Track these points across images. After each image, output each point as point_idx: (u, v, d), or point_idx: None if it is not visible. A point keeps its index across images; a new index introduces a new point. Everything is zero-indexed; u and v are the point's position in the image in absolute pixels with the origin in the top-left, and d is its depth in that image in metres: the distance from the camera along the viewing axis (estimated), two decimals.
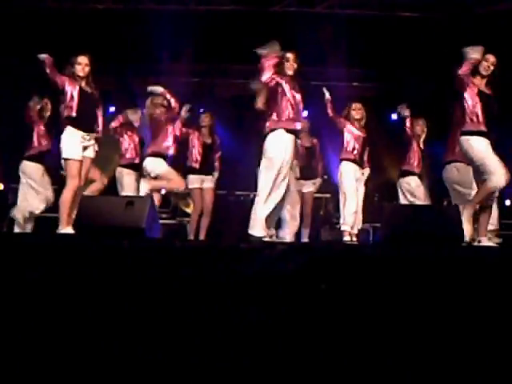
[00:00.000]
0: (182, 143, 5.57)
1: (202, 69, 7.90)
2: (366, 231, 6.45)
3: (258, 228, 4.01)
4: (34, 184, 5.28)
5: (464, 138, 4.15)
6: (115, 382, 1.06)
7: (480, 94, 4.14)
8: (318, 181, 6.14)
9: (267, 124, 4.17)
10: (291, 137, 4.11)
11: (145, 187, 4.91)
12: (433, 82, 6.98)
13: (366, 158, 5.60)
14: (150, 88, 5.06)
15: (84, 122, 4.31)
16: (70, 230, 4.09)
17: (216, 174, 6.05)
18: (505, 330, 1.34)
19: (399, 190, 5.72)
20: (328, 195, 7.13)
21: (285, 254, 2.43)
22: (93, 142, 4.39)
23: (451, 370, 1.11)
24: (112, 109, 7.48)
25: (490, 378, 1.09)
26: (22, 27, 6.58)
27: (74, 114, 4.25)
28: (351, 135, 5.40)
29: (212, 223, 6.07)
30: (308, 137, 6.04)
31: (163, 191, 5.23)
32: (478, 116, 4.10)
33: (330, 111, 5.35)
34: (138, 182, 5.85)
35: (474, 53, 4.08)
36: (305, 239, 5.93)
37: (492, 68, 4.14)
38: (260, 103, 4.42)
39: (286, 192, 4.13)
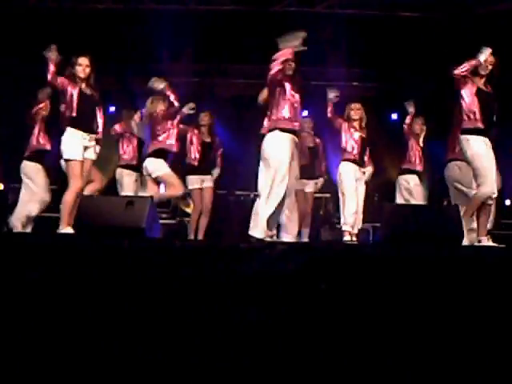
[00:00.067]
0: (180, 140, 5.56)
1: (201, 69, 7.90)
2: (365, 231, 6.45)
3: (258, 229, 4.00)
4: (31, 184, 5.26)
5: (464, 138, 4.16)
6: (115, 382, 1.06)
7: (479, 92, 4.15)
8: (321, 181, 6.15)
9: (265, 124, 4.17)
10: (289, 136, 4.10)
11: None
12: (433, 82, 6.98)
13: (366, 157, 5.61)
14: (151, 83, 4.96)
15: (84, 123, 4.30)
16: (70, 230, 4.09)
17: (217, 171, 6.05)
18: (505, 330, 1.34)
19: (397, 187, 5.73)
20: (328, 195, 7.13)
21: (285, 254, 2.43)
22: (93, 143, 4.38)
23: (451, 369, 1.11)
24: (112, 109, 7.50)
25: (490, 378, 1.09)
26: (22, 27, 6.58)
27: (73, 115, 4.25)
28: (349, 135, 5.41)
29: (212, 223, 6.07)
30: (311, 137, 6.05)
31: (162, 191, 5.21)
32: (475, 113, 4.12)
33: (329, 111, 5.35)
34: (137, 182, 5.87)
35: (481, 55, 4.10)
36: (305, 239, 5.93)
37: (490, 67, 4.16)
38: (261, 98, 4.42)
39: (285, 193, 4.10)
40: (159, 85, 4.94)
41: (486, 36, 5.39)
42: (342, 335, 1.28)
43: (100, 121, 4.49)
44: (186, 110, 5.37)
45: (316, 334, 1.27)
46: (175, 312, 1.42)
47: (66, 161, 4.27)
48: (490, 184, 4.05)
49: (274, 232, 4.30)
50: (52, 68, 4.15)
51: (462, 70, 4.12)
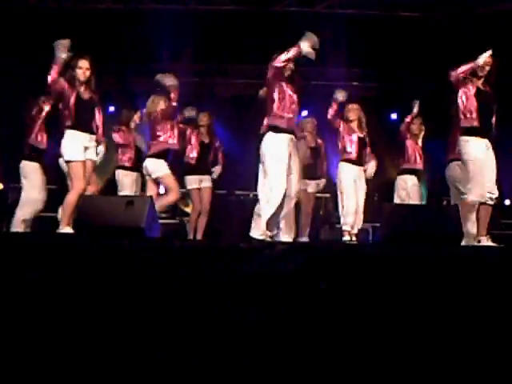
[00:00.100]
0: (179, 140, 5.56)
1: (201, 69, 7.90)
2: (365, 231, 6.47)
3: (259, 231, 4.00)
4: (28, 185, 5.26)
5: (463, 139, 4.17)
6: (115, 382, 1.06)
7: (478, 92, 4.16)
8: (323, 181, 6.16)
9: (264, 123, 4.17)
10: (287, 137, 4.09)
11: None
12: (433, 82, 6.98)
13: (368, 153, 5.59)
14: (160, 77, 4.89)
15: (82, 125, 4.29)
16: (69, 229, 4.09)
17: (219, 168, 6.03)
18: (505, 330, 1.34)
19: (395, 187, 5.75)
20: (328, 195, 7.13)
21: (285, 254, 2.43)
22: (93, 143, 4.37)
23: (451, 370, 1.11)
24: (112, 108, 7.50)
25: (490, 378, 1.09)
26: (22, 27, 6.58)
27: (71, 119, 4.24)
28: (347, 136, 5.42)
29: (212, 223, 6.08)
30: (313, 137, 6.05)
31: (162, 191, 5.20)
32: (471, 112, 4.13)
33: (330, 113, 5.35)
34: (136, 182, 5.89)
35: (480, 59, 4.11)
36: (305, 238, 5.94)
37: (488, 68, 4.16)
38: (262, 91, 4.42)
39: (285, 193, 4.09)
40: (168, 81, 4.89)
41: (486, 36, 5.39)
42: (342, 335, 1.28)
43: (99, 123, 4.47)
44: (186, 112, 5.36)
45: (316, 334, 1.27)
46: (175, 312, 1.42)
47: (68, 162, 4.27)
48: (478, 190, 4.07)
49: (275, 232, 4.30)
50: (55, 71, 4.14)
51: (459, 73, 4.13)
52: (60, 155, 4.43)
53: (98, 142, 4.46)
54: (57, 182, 5.51)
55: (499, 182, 4.23)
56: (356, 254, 2.75)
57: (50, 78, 4.16)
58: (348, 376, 1.08)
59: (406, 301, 1.60)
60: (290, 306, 1.49)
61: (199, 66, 7.83)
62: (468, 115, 4.15)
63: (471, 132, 4.14)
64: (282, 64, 4.04)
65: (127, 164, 5.83)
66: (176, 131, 5.11)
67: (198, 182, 5.88)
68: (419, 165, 5.70)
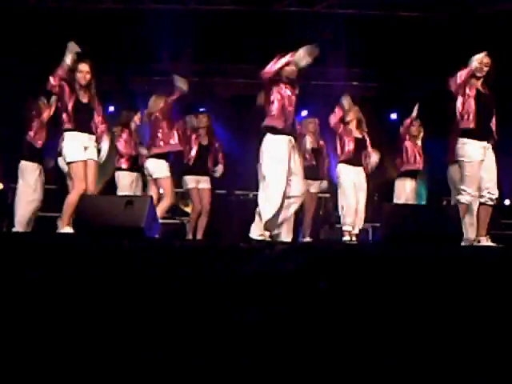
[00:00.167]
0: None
1: (201, 69, 7.90)
2: (365, 231, 6.47)
3: (258, 231, 4.00)
4: (23, 184, 5.27)
5: (461, 141, 4.17)
6: (115, 382, 1.06)
7: (478, 94, 4.16)
8: (325, 182, 6.16)
9: (262, 125, 4.16)
10: (285, 138, 4.08)
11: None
12: (433, 82, 6.98)
13: (366, 157, 5.60)
14: (176, 78, 4.96)
15: (81, 127, 4.30)
16: (69, 229, 4.09)
17: (221, 167, 6.02)
18: (505, 329, 1.34)
19: (395, 190, 5.78)
20: (328, 195, 7.13)
21: (285, 254, 2.43)
22: (93, 143, 4.37)
23: (451, 369, 1.11)
24: (111, 108, 7.50)
25: (490, 378, 1.09)
26: (22, 27, 6.58)
27: (70, 122, 4.25)
28: (346, 137, 5.43)
29: (212, 223, 6.08)
30: (315, 138, 6.05)
31: (162, 191, 5.20)
32: (469, 114, 4.13)
33: (333, 120, 5.38)
34: (135, 183, 5.89)
35: (472, 63, 4.12)
36: (307, 238, 5.94)
37: (486, 69, 4.16)
38: (261, 99, 4.42)
39: (285, 194, 4.08)
40: (180, 83, 4.95)
41: (485, 36, 5.40)
42: (342, 335, 1.28)
43: (98, 124, 4.47)
44: (188, 118, 5.38)
45: (316, 334, 1.27)
46: (175, 312, 1.42)
47: (69, 163, 4.28)
48: (470, 192, 4.10)
49: (276, 232, 4.29)
50: (58, 75, 4.15)
51: (459, 83, 4.13)
52: (59, 155, 4.43)
53: (98, 142, 4.46)
54: (57, 182, 5.51)
55: (499, 182, 4.24)
56: (356, 254, 2.75)
57: (51, 81, 4.16)
58: (348, 376, 1.08)
59: (406, 301, 1.60)
60: (290, 305, 1.49)
61: (199, 65, 7.82)
62: (466, 117, 4.15)
63: (468, 134, 4.14)
64: (271, 74, 4.04)
65: (125, 166, 5.85)
66: (176, 133, 5.13)
67: (196, 182, 5.88)
68: (419, 164, 5.71)
